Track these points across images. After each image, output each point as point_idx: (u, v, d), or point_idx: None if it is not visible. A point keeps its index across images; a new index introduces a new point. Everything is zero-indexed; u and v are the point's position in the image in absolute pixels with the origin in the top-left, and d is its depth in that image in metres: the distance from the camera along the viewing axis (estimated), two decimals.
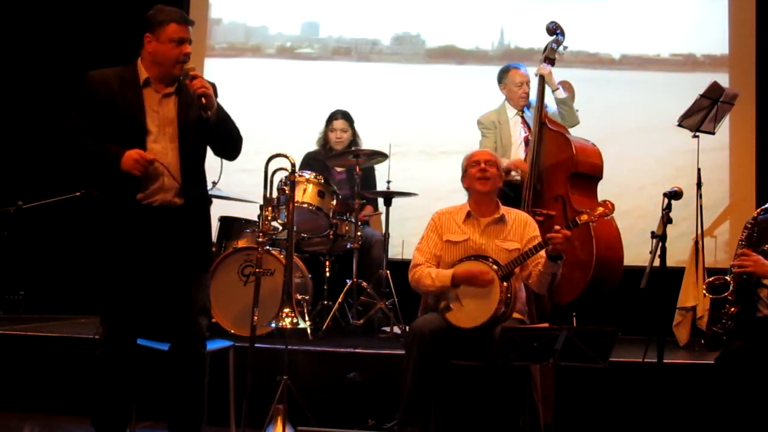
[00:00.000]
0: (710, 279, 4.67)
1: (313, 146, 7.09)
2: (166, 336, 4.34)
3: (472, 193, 4.92)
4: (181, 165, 4.19)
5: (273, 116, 7.70)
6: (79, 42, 7.69)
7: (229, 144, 4.32)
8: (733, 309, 4.57)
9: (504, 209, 4.91)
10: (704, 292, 4.69)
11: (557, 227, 4.48)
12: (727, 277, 4.60)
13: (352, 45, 7.98)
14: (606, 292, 5.98)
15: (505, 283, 4.58)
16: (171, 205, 4.19)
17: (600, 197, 6.24)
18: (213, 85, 4.27)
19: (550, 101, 6.47)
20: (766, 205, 4.80)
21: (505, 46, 7.76)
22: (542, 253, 4.57)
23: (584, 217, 4.52)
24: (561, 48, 6.41)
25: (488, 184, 4.85)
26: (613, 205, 4.53)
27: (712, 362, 4.60)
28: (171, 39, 4.13)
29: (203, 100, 4.07)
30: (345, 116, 6.95)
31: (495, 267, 4.60)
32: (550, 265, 4.56)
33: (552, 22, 6.49)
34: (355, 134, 6.97)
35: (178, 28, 4.14)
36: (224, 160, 4.33)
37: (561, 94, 6.35)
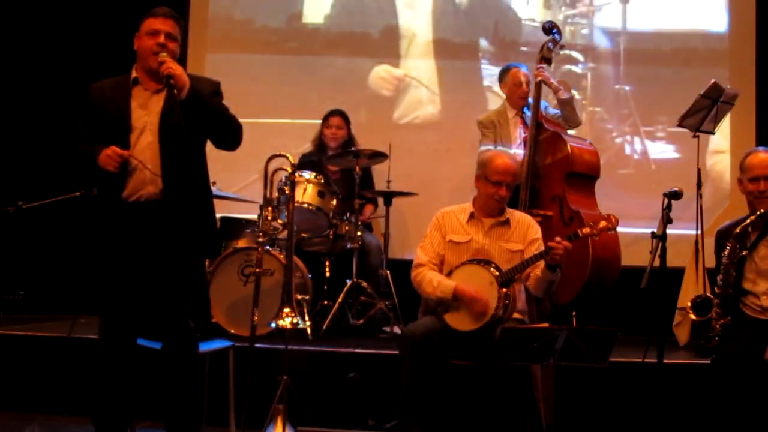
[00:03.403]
0: (693, 298, 4.69)
1: (300, 144, 7.12)
2: (160, 336, 4.34)
3: (481, 198, 4.90)
4: (161, 157, 4.19)
5: (262, 114, 7.64)
6: (79, 44, 7.69)
7: (220, 132, 4.31)
8: (720, 323, 4.59)
9: (509, 212, 4.91)
10: (691, 315, 4.69)
11: (558, 238, 4.48)
12: (709, 294, 4.62)
13: (341, 39, 7.94)
14: (604, 291, 5.98)
15: (504, 289, 4.58)
16: (156, 199, 4.20)
17: (599, 197, 6.25)
18: (217, 83, 4.35)
19: (549, 101, 6.48)
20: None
21: (500, 39, 7.72)
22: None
23: (586, 230, 4.51)
24: (557, 48, 6.43)
25: (500, 204, 4.85)
26: (617, 219, 4.52)
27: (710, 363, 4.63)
28: (147, 32, 4.21)
29: (171, 81, 4.09)
30: (341, 114, 6.95)
31: (497, 273, 4.60)
32: (548, 273, 4.57)
33: (548, 21, 6.50)
34: (350, 133, 6.97)
35: (154, 20, 4.22)
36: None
37: (563, 95, 6.33)
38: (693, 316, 4.63)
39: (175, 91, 4.10)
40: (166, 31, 4.21)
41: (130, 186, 4.18)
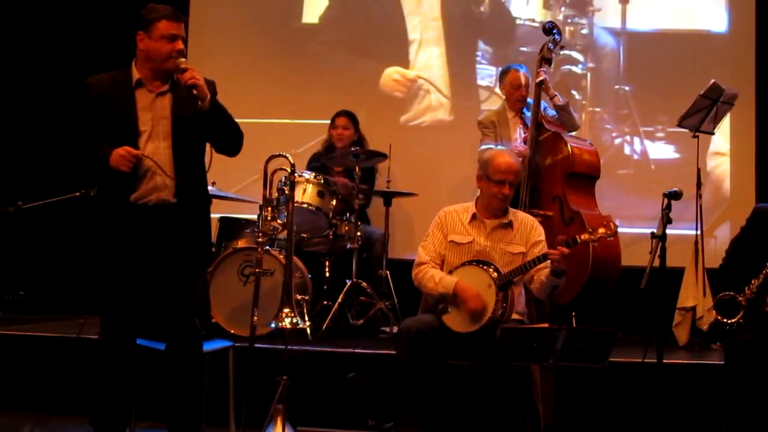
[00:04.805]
0: (720, 296, 4.65)
1: (300, 144, 7.25)
2: (164, 336, 4.34)
3: (484, 197, 4.88)
4: (175, 162, 4.19)
5: (262, 114, 7.62)
6: (78, 43, 7.70)
7: (227, 138, 4.32)
8: (738, 323, 4.57)
9: (512, 213, 4.89)
10: (714, 313, 4.67)
11: (558, 244, 4.48)
12: (735, 294, 4.59)
13: (342, 40, 7.92)
14: (604, 292, 5.98)
15: (502, 292, 4.58)
16: (166, 203, 4.19)
17: (599, 197, 6.26)
18: (212, 83, 4.28)
19: (548, 103, 6.48)
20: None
21: (499, 39, 7.71)
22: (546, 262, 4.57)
23: (585, 236, 4.51)
24: (557, 48, 6.43)
25: (504, 203, 4.83)
26: (616, 225, 4.52)
27: (712, 362, 4.62)
28: (162, 36, 4.14)
29: (194, 91, 4.08)
30: (348, 115, 6.97)
31: (495, 275, 4.60)
32: (553, 278, 4.57)
33: (549, 22, 6.52)
34: (359, 134, 6.98)
35: (169, 24, 4.15)
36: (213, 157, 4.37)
37: (559, 101, 6.34)
38: (718, 318, 4.60)
39: (199, 102, 4.09)
40: (182, 35, 4.19)
41: (141, 189, 4.16)
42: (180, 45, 4.16)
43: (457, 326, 4.63)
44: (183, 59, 4.15)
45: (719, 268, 4.92)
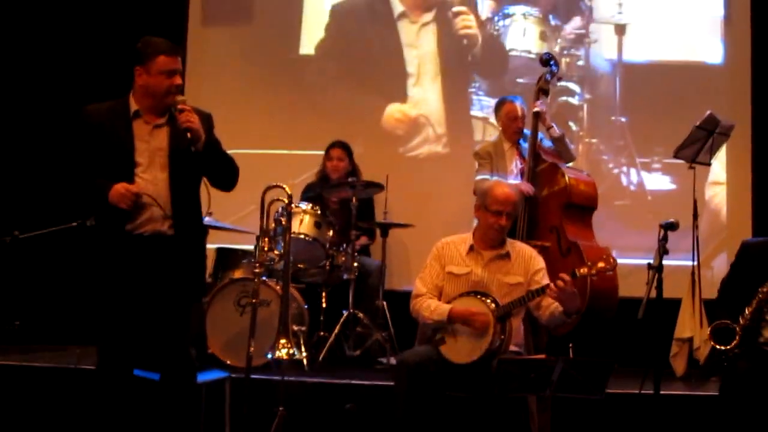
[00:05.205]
0: (715, 324, 4.65)
1: (298, 175, 7.25)
2: (159, 366, 4.31)
3: (481, 228, 4.89)
4: (172, 195, 4.18)
5: (259, 144, 7.64)
6: (75, 72, 7.72)
7: (223, 175, 4.32)
8: (734, 351, 4.57)
9: (509, 244, 4.88)
10: (710, 341, 4.67)
11: (562, 275, 4.48)
12: (730, 322, 4.59)
13: (339, 71, 7.95)
14: (602, 323, 5.97)
15: (499, 324, 4.57)
16: (162, 234, 4.18)
17: (596, 228, 6.26)
18: (209, 117, 4.29)
19: (545, 134, 6.51)
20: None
21: (496, 71, 7.74)
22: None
23: (584, 270, 4.51)
24: (554, 79, 6.46)
25: (500, 234, 4.83)
26: (615, 260, 4.53)
27: (709, 393, 4.61)
28: (161, 71, 4.13)
29: (188, 134, 4.07)
30: (342, 146, 6.99)
31: (493, 306, 4.59)
32: (564, 317, 4.58)
33: (546, 53, 6.53)
34: (353, 165, 7.00)
35: (168, 59, 4.13)
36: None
37: (555, 132, 6.34)
38: (714, 344, 4.60)
39: (192, 148, 4.09)
40: (180, 69, 4.18)
41: (139, 220, 4.15)
42: (178, 80, 4.16)
43: (454, 356, 4.62)
44: (181, 96, 4.14)
45: (715, 302, 4.93)
